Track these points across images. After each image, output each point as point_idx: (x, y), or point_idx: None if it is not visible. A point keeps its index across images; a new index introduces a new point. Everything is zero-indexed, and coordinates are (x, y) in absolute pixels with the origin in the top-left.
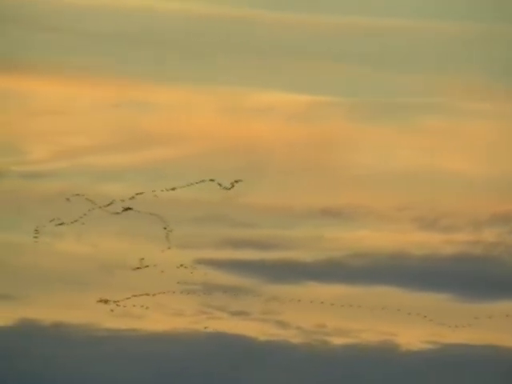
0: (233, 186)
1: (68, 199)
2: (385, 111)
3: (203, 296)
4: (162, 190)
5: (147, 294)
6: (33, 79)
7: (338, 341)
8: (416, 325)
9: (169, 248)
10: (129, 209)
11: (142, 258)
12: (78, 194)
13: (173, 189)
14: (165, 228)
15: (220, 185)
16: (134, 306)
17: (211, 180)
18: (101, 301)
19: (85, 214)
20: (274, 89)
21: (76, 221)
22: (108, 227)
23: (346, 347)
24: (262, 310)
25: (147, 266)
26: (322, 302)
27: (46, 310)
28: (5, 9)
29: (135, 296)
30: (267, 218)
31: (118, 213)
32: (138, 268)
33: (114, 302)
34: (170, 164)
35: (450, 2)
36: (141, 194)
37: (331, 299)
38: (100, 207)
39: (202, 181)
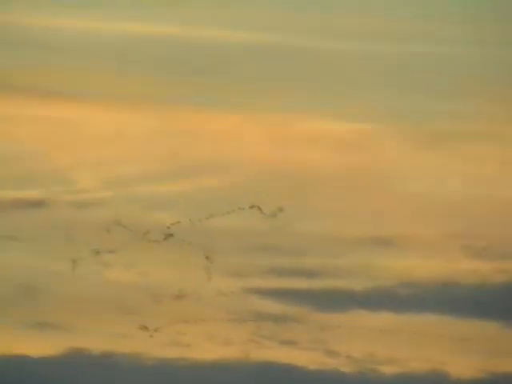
0: (275, 214)
1: (108, 230)
2: (435, 139)
3: (252, 325)
4: (200, 220)
5: (195, 323)
6: (82, 108)
7: (387, 369)
8: (466, 353)
9: (209, 278)
10: (170, 235)
11: (184, 288)
12: (119, 224)
13: (211, 216)
14: (207, 257)
15: (261, 211)
16: (183, 334)
17: (252, 207)
18: (141, 327)
19: (128, 243)
20: (324, 116)
21: (120, 249)
22: (152, 256)
23: (396, 376)
24: (311, 339)
25: (195, 295)
26: (371, 331)
27: (95, 339)
28: (58, 39)
29: (184, 323)
30: (315, 246)
31: (158, 241)
32: (183, 296)
33: (155, 329)
34: (218, 192)
35: (503, 29)
36: (177, 222)
37: (380, 327)
38: (143, 235)
39: (242, 208)
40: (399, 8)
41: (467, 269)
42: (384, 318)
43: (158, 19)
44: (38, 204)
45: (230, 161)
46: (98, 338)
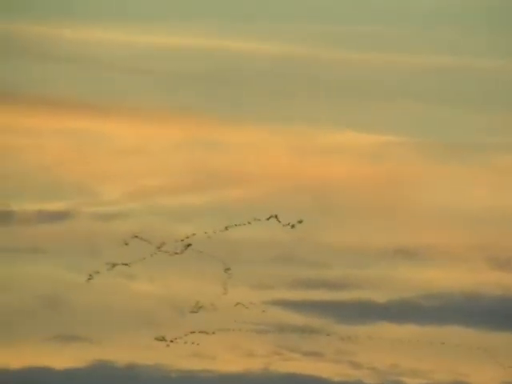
0: (293, 226)
1: (127, 243)
2: (457, 150)
3: (276, 336)
4: (215, 231)
5: (217, 334)
6: (107, 120)
7: (411, 381)
8: (489, 365)
9: (225, 291)
10: (189, 246)
11: (205, 300)
12: (137, 237)
13: (226, 228)
14: (227, 269)
15: (280, 222)
16: (205, 345)
17: (269, 218)
18: (158, 339)
19: (150, 255)
20: (345, 128)
21: (140, 262)
22: (172, 268)
23: None
24: (335, 351)
25: (216, 307)
26: (395, 342)
27: (120, 351)
28: (78, 51)
29: (205, 335)
30: (339, 257)
31: (177, 253)
32: (204, 307)
33: (171, 340)
34: (241, 204)
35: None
36: (193, 235)
37: (404, 339)
38: (160, 246)
39: (258, 219)
40: (423, 18)
41: (491, 280)
42: (407, 330)
43: (183, 31)
44: (62, 216)
45: (252, 173)
46: (121, 350)
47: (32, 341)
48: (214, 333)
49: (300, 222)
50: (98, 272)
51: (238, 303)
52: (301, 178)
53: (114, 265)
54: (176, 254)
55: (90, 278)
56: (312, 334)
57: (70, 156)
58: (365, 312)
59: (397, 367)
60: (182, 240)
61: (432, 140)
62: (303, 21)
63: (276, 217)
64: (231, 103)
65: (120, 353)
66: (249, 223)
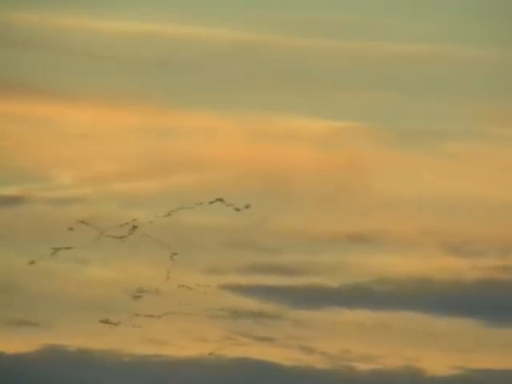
0: (238, 209)
1: (71, 228)
2: (410, 137)
3: (228, 321)
4: (157, 216)
5: (168, 319)
6: (59, 105)
7: (363, 366)
8: (441, 350)
9: (167, 277)
10: (135, 227)
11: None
12: (82, 222)
13: (169, 214)
14: (173, 254)
15: (230, 205)
16: (157, 330)
17: (219, 199)
18: (103, 321)
19: (93, 240)
20: (299, 114)
21: (87, 245)
22: (121, 252)
23: (371, 373)
24: (286, 336)
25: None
26: (347, 327)
27: (71, 336)
28: (32, 34)
29: (157, 319)
30: (292, 243)
31: (122, 237)
32: (154, 292)
33: (115, 323)
34: (194, 190)
35: (479, 28)
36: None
37: (356, 325)
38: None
39: (211, 202)
40: (381, 5)
41: (443, 266)
42: (360, 315)
43: (140, 17)
44: (14, 201)
45: (206, 159)
46: (73, 335)
47: None
48: (160, 316)
49: (247, 206)
50: (41, 258)
51: (181, 285)
52: (255, 163)
53: (56, 249)
54: (121, 237)
55: (33, 262)
56: (264, 318)
57: (24, 140)
58: (317, 297)
59: (348, 352)
60: (126, 223)
61: (385, 126)
62: (261, 6)
63: (222, 200)
64: (185, 89)
65: (72, 338)
66: (191, 207)
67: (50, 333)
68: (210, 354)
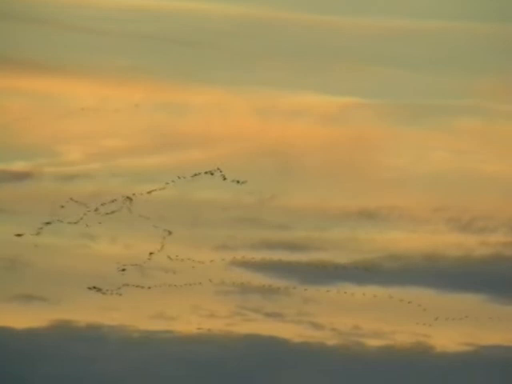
0: (239, 182)
1: (63, 206)
2: (419, 113)
3: (238, 297)
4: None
5: (180, 295)
6: (67, 81)
7: (372, 342)
8: (450, 326)
9: (160, 250)
10: (129, 198)
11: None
12: (71, 199)
13: (150, 192)
14: (167, 231)
15: (225, 178)
16: (167, 307)
17: (217, 170)
18: (91, 288)
19: (84, 214)
20: (308, 91)
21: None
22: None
23: (381, 349)
24: (296, 312)
25: (178, 265)
26: (357, 304)
27: (81, 312)
28: (38, 11)
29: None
30: (301, 219)
31: (114, 211)
32: (167, 267)
33: (106, 290)
34: (203, 165)
35: (483, 4)
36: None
37: (366, 301)
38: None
39: (207, 172)
40: None
41: (452, 242)
42: (369, 291)
43: None
44: (22, 176)
45: (214, 135)
46: (83, 311)
47: None
48: (149, 288)
49: (243, 182)
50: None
51: (190, 260)
52: (263, 139)
53: (47, 223)
54: (113, 212)
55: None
56: (274, 294)
57: (30, 116)
58: (327, 273)
59: (358, 328)
60: (127, 197)
61: (394, 102)
62: None
63: (219, 170)
64: (193, 65)
65: (81, 313)
66: (173, 182)
67: (58, 308)
68: (199, 328)
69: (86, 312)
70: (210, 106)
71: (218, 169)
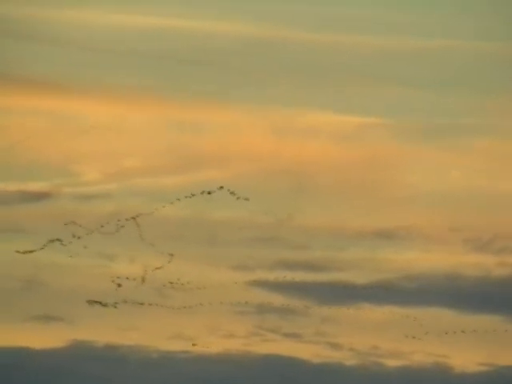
0: (239, 198)
1: (66, 224)
2: (433, 132)
3: (256, 318)
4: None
5: (198, 315)
6: (83, 100)
7: (391, 363)
8: (469, 346)
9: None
10: (133, 218)
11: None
12: (73, 222)
13: (172, 202)
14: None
15: (233, 194)
16: (185, 327)
17: (221, 188)
18: (90, 302)
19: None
20: (323, 110)
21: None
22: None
23: (400, 369)
24: (314, 332)
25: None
26: (375, 324)
27: (99, 332)
28: (53, 31)
29: (187, 315)
30: (318, 239)
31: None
32: (189, 289)
33: (103, 304)
34: (218, 185)
35: (495, 23)
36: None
37: (384, 321)
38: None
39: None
40: (398, 0)
41: (470, 262)
42: (387, 311)
43: (160, 12)
44: (42, 196)
45: (230, 154)
46: (100, 331)
47: (11, 321)
48: (186, 311)
49: (247, 199)
50: (80, 254)
51: (220, 284)
52: (278, 158)
53: (51, 240)
54: (120, 230)
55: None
56: (292, 315)
57: (48, 135)
58: (345, 293)
59: (377, 349)
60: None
61: (410, 122)
62: (283, 1)
63: (228, 190)
64: (208, 84)
65: (99, 333)
66: (178, 200)
67: (76, 328)
68: (194, 344)
69: (103, 332)
70: (225, 125)
71: (222, 187)
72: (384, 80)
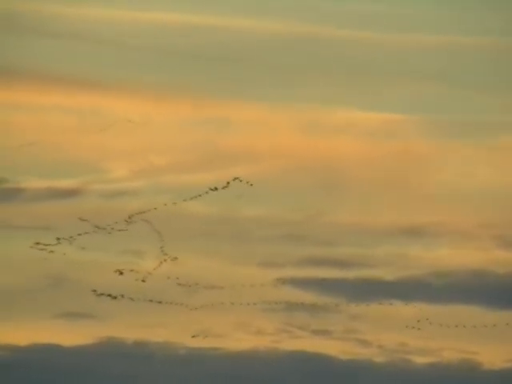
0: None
1: (82, 219)
2: (463, 129)
3: (284, 315)
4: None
5: (226, 312)
6: (114, 97)
7: (419, 359)
8: (498, 343)
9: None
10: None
11: (217, 279)
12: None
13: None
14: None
15: (247, 182)
16: (215, 323)
17: (236, 179)
18: (117, 271)
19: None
20: (352, 107)
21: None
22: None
23: (428, 366)
24: (343, 329)
25: (226, 285)
26: (404, 321)
27: (128, 329)
28: (86, 28)
29: (215, 312)
30: (347, 236)
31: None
32: (215, 286)
33: (131, 270)
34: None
35: None
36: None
37: (413, 318)
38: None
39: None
40: None
41: (499, 258)
42: (416, 308)
43: (188, 8)
44: (70, 193)
45: (259, 151)
46: (130, 327)
47: (40, 318)
48: (215, 309)
49: (240, 196)
50: (109, 251)
51: (249, 281)
52: (307, 155)
53: (58, 238)
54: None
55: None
56: (320, 312)
57: (78, 133)
58: (374, 290)
59: (405, 345)
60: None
61: (440, 118)
62: None
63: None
64: (236, 81)
65: (128, 330)
66: (199, 195)
67: (105, 325)
68: (193, 336)
69: (132, 329)
70: (253, 122)
71: (229, 182)
72: (414, 76)
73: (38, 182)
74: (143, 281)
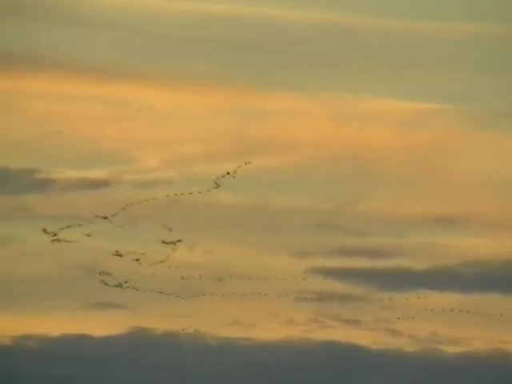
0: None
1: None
2: (495, 118)
3: (315, 304)
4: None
5: (258, 302)
6: (146, 87)
7: (450, 349)
8: None
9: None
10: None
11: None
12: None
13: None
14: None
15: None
16: (246, 313)
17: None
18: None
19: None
20: (385, 96)
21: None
22: (210, 235)
23: (459, 355)
24: (374, 319)
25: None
26: (435, 310)
27: (158, 319)
28: (120, 18)
29: (246, 303)
30: (379, 225)
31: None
32: (245, 275)
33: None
34: (279, 172)
35: None
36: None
37: (443, 307)
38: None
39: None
40: None
41: None
42: (447, 298)
43: None
44: (102, 184)
45: (291, 140)
46: (160, 318)
47: (72, 308)
48: (227, 295)
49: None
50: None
51: (280, 271)
52: (340, 145)
53: (45, 230)
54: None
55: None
56: (351, 301)
57: (109, 123)
58: (404, 280)
59: (436, 335)
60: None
61: (472, 108)
62: None
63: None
64: (270, 71)
65: (159, 321)
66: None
67: (136, 315)
68: (183, 329)
69: (163, 319)
70: (286, 111)
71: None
72: (447, 66)
73: (68, 173)
74: (176, 269)
